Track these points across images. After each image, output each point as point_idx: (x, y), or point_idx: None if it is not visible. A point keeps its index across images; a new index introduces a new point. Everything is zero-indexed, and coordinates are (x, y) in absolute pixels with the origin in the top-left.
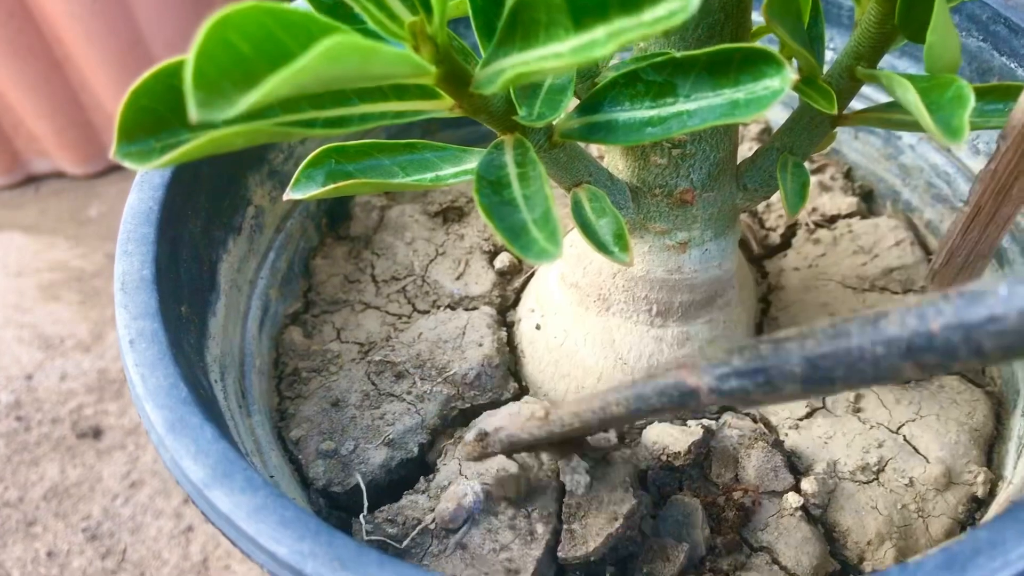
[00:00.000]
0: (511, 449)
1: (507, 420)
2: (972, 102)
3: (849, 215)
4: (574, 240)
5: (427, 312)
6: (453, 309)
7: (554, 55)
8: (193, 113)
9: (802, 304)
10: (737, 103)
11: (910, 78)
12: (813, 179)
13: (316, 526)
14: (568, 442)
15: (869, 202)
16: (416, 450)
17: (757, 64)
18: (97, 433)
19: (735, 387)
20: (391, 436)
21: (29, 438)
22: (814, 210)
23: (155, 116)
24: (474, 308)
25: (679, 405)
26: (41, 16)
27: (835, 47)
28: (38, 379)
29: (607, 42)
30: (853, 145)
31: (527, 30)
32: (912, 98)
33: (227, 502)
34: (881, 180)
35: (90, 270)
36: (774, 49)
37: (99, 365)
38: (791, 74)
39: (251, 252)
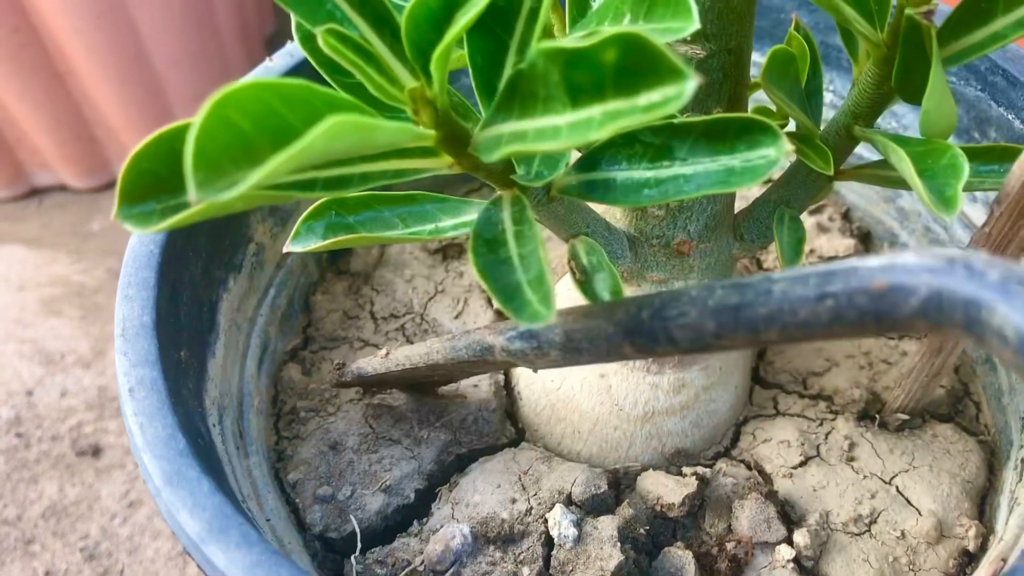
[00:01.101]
0: (362, 382)
1: (363, 360)
2: (966, 173)
3: (846, 257)
4: (570, 284)
5: None
6: None
7: (552, 128)
8: (192, 195)
9: (798, 349)
10: (733, 171)
11: (905, 141)
12: (811, 219)
13: None
14: (418, 386)
15: (866, 243)
16: (412, 496)
17: (753, 133)
18: (96, 451)
19: (517, 348)
20: (388, 483)
21: (29, 455)
22: (812, 251)
23: (156, 178)
24: None
25: (480, 356)
26: (45, 31)
27: (835, 89)
28: (39, 395)
29: (603, 123)
30: (852, 186)
31: (525, 100)
32: (907, 167)
33: (223, 558)
34: (879, 222)
35: (91, 285)
36: (769, 121)
37: (99, 382)
38: (786, 145)
39: (251, 289)
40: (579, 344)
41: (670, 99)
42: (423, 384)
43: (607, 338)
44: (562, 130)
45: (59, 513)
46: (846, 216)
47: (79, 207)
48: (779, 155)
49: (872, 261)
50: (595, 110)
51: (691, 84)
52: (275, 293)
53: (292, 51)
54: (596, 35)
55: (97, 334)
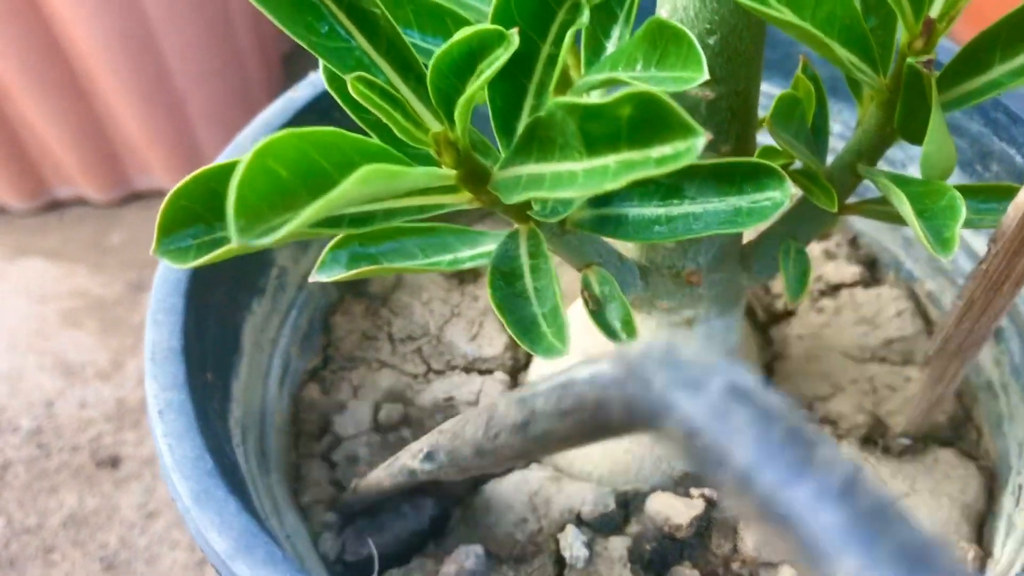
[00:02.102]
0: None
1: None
2: (963, 215)
3: (853, 284)
4: (582, 309)
5: (442, 372)
6: (467, 372)
7: (569, 172)
8: (235, 241)
9: (805, 374)
10: (740, 211)
11: (905, 182)
12: (819, 246)
13: None
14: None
15: (873, 270)
16: (427, 523)
17: (760, 177)
18: (115, 462)
19: (428, 468)
20: (404, 510)
21: (49, 465)
22: (819, 278)
23: (193, 215)
24: (488, 372)
25: (410, 480)
26: (73, 52)
27: (844, 119)
28: (59, 406)
29: (618, 172)
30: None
31: (543, 146)
32: (906, 209)
33: (249, 575)
34: (885, 249)
35: (111, 298)
36: (775, 165)
37: (118, 394)
38: (791, 188)
39: (274, 311)
40: (460, 462)
41: (681, 153)
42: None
43: (472, 455)
44: (578, 175)
45: (79, 523)
46: (853, 243)
47: (99, 220)
48: (784, 198)
49: (582, 373)
50: (610, 159)
51: (701, 140)
52: (296, 314)
53: (314, 81)
54: (613, 94)
55: (116, 347)
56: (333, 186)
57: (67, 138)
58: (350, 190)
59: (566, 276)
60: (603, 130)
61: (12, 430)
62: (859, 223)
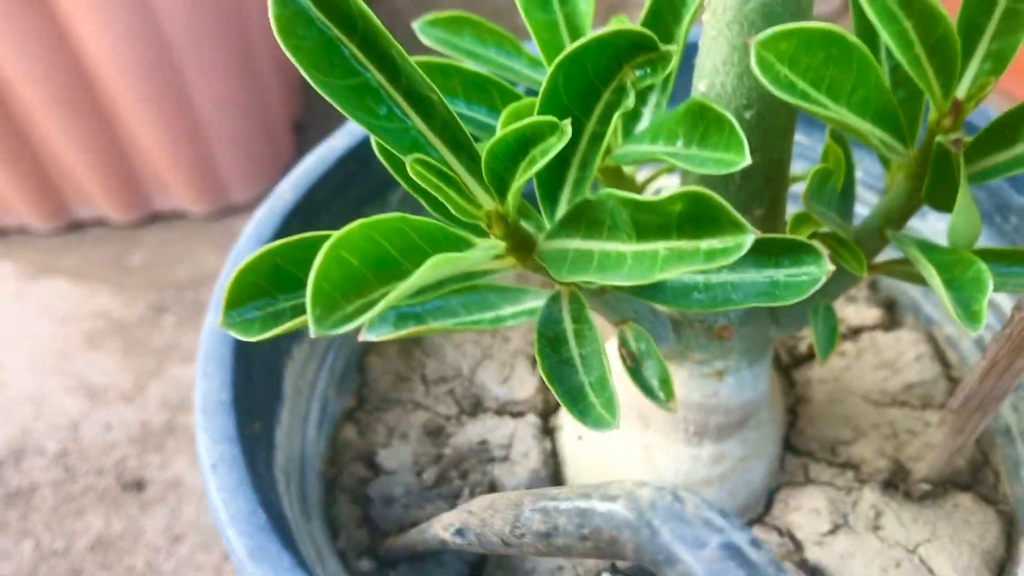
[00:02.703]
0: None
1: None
2: (991, 288)
3: (873, 327)
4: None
5: (474, 415)
6: (499, 415)
7: (617, 253)
8: (313, 330)
9: (827, 418)
10: (778, 284)
11: (932, 250)
12: None
13: None
14: None
15: (892, 312)
16: (467, 570)
17: (798, 253)
18: (140, 485)
19: (458, 542)
20: (444, 558)
21: (75, 488)
22: (840, 321)
23: (259, 290)
24: (520, 414)
25: (439, 547)
26: (96, 76)
27: (865, 167)
28: (83, 429)
29: (667, 260)
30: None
31: (590, 224)
32: (935, 281)
33: None
34: (904, 293)
35: (132, 319)
36: (814, 243)
37: (141, 417)
38: (828, 265)
39: (312, 355)
40: (487, 546)
41: (730, 249)
42: None
43: (499, 544)
44: (627, 257)
45: (106, 546)
46: (873, 286)
47: (119, 241)
48: (821, 274)
49: (601, 506)
50: (659, 245)
51: (750, 238)
52: (334, 357)
53: (352, 130)
54: (666, 191)
55: (139, 368)
56: (399, 269)
57: (89, 160)
58: (421, 278)
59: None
60: (654, 221)
61: (38, 453)
62: None
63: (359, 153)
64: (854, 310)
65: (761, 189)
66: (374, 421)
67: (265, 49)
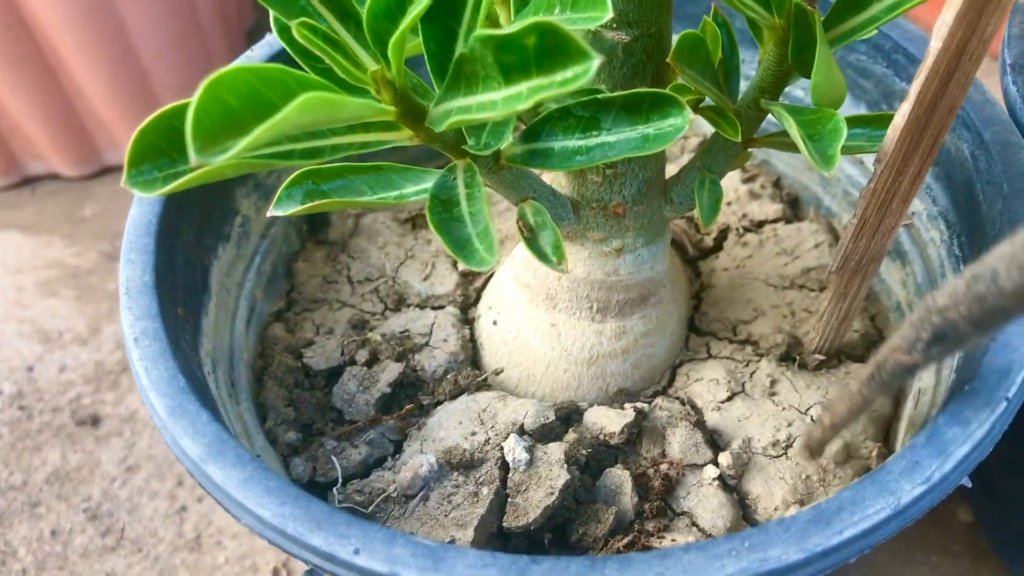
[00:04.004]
0: None
1: None
2: (844, 135)
3: (775, 220)
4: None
5: (397, 310)
6: (421, 308)
7: (490, 102)
8: (193, 159)
9: (730, 301)
10: (648, 137)
11: (800, 111)
12: (744, 187)
13: (296, 493)
14: None
15: (795, 208)
16: (392, 448)
17: (663, 106)
18: (95, 421)
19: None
20: (371, 437)
21: (31, 426)
22: (744, 216)
23: (158, 150)
24: (440, 307)
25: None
26: (37, 27)
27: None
28: (38, 371)
29: (528, 96)
30: (781, 156)
31: (469, 79)
32: (795, 133)
33: (220, 475)
34: (806, 188)
35: (85, 267)
36: (675, 95)
37: (96, 357)
38: (690, 114)
39: (239, 257)
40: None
41: (579, 75)
42: None
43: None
44: (498, 103)
45: (62, 478)
46: (777, 184)
47: (71, 194)
48: (684, 123)
49: None
50: (523, 86)
51: (595, 63)
52: (260, 260)
53: (271, 42)
54: (518, 24)
55: (92, 313)
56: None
57: (36, 114)
58: (292, 115)
59: (508, 223)
60: (515, 59)
61: None
62: (781, 166)
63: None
64: (758, 205)
65: (643, 65)
66: (302, 320)
67: (208, 2)
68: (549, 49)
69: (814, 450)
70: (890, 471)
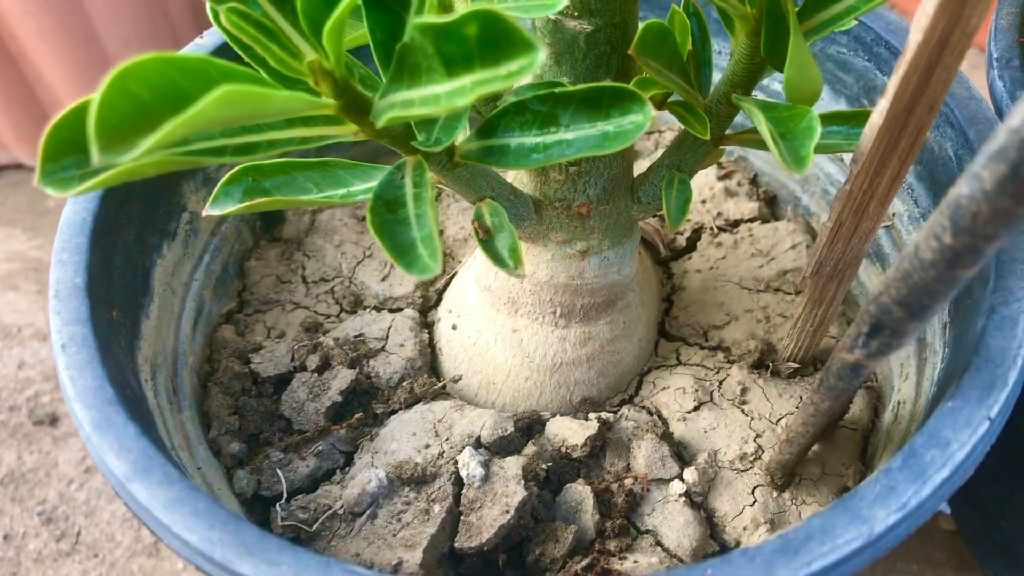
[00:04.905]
0: None
1: None
2: (819, 133)
3: (751, 219)
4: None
5: (354, 312)
6: (378, 310)
7: (433, 96)
8: (95, 158)
9: (701, 305)
10: (608, 135)
11: (771, 107)
12: (720, 184)
13: (225, 516)
14: None
15: (772, 207)
16: (342, 460)
17: (624, 101)
18: (53, 420)
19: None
20: (320, 448)
21: None
22: (719, 215)
23: (74, 146)
24: (398, 309)
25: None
26: None
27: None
28: None
29: (472, 90)
30: (759, 153)
31: (412, 71)
32: (764, 130)
33: (146, 494)
34: (783, 186)
35: (47, 261)
36: (636, 89)
37: None
38: (652, 111)
39: (186, 256)
40: (919, 298)
41: (524, 68)
42: None
43: (935, 277)
44: (441, 97)
45: (17, 479)
46: (753, 181)
47: (35, 185)
48: (646, 120)
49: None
50: (467, 79)
51: (541, 55)
52: (210, 259)
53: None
54: (457, 12)
55: None
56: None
57: None
58: (208, 110)
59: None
60: (457, 50)
61: None
62: (758, 163)
63: (229, 52)
64: (733, 203)
65: (607, 56)
66: (253, 322)
67: None
68: (492, 40)
69: (776, 474)
70: (863, 496)
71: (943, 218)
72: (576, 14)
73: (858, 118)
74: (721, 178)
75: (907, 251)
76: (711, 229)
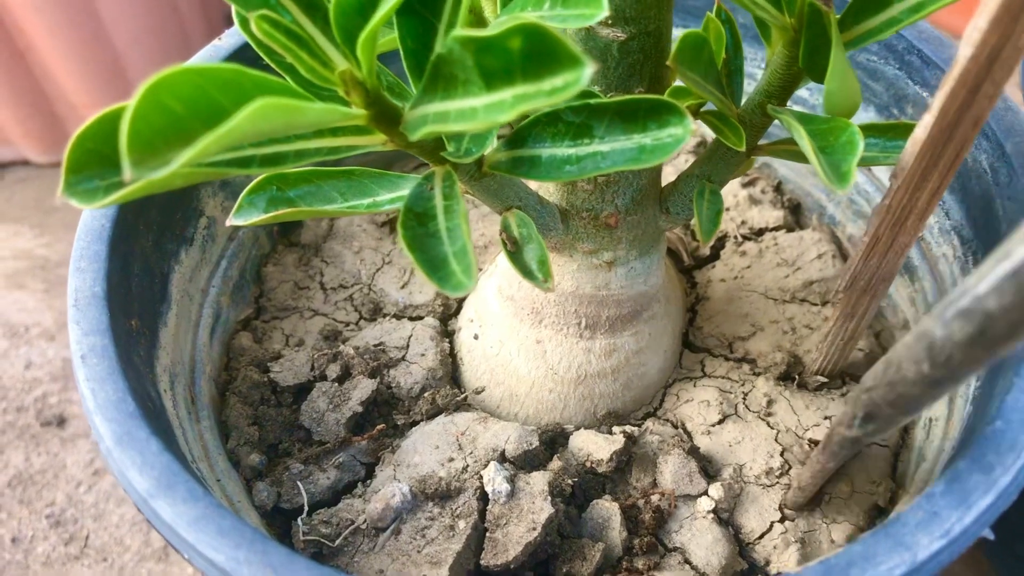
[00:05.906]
0: None
1: None
2: (861, 148)
3: (776, 228)
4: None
5: (373, 320)
6: (398, 318)
7: (470, 109)
8: (127, 173)
9: (726, 315)
10: (644, 148)
11: (809, 120)
12: (744, 192)
13: (251, 535)
14: None
15: (797, 215)
16: (363, 472)
17: (662, 113)
18: (61, 421)
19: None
20: (341, 459)
21: None
22: (743, 223)
23: (100, 157)
24: (418, 318)
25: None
26: (4, 7)
27: (761, 65)
28: (3, 367)
29: (513, 105)
30: (783, 161)
31: (448, 83)
32: (806, 145)
33: (170, 512)
34: (808, 195)
35: (55, 259)
36: (675, 101)
37: (64, 354)
38: (692, 124)
39: (203, 262)
40: (906, 406)
41: (570, 84)
42: None
43: (922, 392)
44: (479, 111)
45: (25, 481)
46: (778, 189)
47: (42, 182)
48: (686, 133)
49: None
50: (507, 93)
51: (588, 71)
52: (227, 265)
53: (236, 31)
54: (502, 24)
55: (61, 307)
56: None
57: (5, 99)
58: (244, 125)
59: (492, 228)
60: (498, 64)
61: None
62: (783, 170)
63: (246, 53)
64: (758, 211)
65: (640, 65)
66: (271, 329)
67: None
68: (536, 54)
69: (794, 510)
70: (905, 523)
71: (920, 348)
72: (610, 22)
73: (895, 130)
74: (745, 185)
75: (890, 359)
76: (735, 237)
